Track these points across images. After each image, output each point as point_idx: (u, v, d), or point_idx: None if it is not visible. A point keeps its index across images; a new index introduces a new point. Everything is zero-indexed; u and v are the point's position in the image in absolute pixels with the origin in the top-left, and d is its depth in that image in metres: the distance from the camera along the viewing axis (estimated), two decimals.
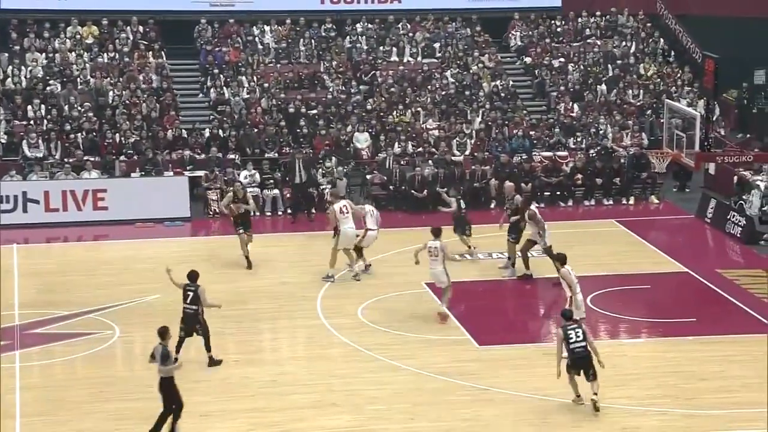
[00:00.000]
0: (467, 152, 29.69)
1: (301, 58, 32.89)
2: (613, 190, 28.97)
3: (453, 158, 29.24)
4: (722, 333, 19.73)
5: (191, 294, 17.95)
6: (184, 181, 27.74)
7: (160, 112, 30.29)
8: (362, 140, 30.02)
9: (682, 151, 25.44)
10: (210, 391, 17.24)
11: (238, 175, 27.85)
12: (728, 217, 26.17)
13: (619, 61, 33.72)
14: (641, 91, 32.76)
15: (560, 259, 18.97)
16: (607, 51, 34.02)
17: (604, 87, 32.70)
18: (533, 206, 22.77)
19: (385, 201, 28.19)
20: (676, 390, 17.22)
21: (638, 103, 32.36)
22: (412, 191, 27.99)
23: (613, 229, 26.56)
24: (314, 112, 30.79)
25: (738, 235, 25.57)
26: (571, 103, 31.85)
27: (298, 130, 30.00)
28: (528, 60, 34.00)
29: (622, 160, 29.62)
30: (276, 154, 29.21)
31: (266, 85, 31.61)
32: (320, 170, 28.51)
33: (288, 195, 27.58)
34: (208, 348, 18.10)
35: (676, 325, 20.17)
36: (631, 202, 28.96)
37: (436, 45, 33.79)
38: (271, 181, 28.01)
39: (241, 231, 23.23)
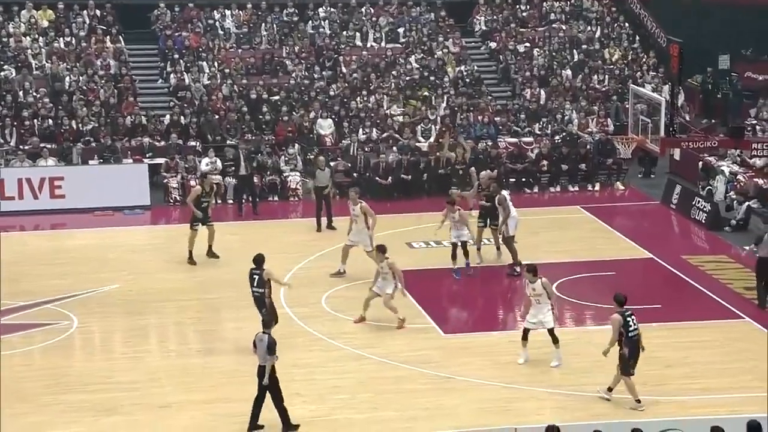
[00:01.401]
0: (432, 139, 29.41)
1: (262, 43, 32.47)
2: (579, 176, 28.85)
3: (418, 144, 29.04)
4: (687, 319, 19.71)
5: (257, 277, 17.70)
6: (143, 168, 27.31)
7: (118, 98, 29.77)
8: (326, 126, 29.67)
9: (647, 136, 25.33)
10: (170, 382, 16.95)
11: (200, 162, 27.43)
12: (693, 203, 26.13)
13: (584, 46, 33.60)
14: (606, 76, 32.66)
15: (533, 271, 17.48)
16: (572, 36, 33.89)
17: (569, 72, 32.55)
18: (504, 192, 22.57)
19: (350, 188, 27.85)
20: (642, 377, 17.05)
21: (603, 89, 32.25)
22: (377, 178, 27.72)
23: (578, 215, 26.46)
24: (276, 98, 30.41)
25: (703, 221, 25.53)
26: (537, 88, 31.67)
27: (261, 117, 29.61)
28: (493, 45, 33.78)
29: (588, 146, 29.50)
30: (238, 141, 28.78)
31: (227, 70, 31.17)
32: (283, 157, 28.17)
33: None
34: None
35: (642, 311, 19.92)
36: (597, 188, 28.86)
37: (400, 30, 33.49)
38: (233, 168, 27.57)
39: (197, 227, 22.40)
